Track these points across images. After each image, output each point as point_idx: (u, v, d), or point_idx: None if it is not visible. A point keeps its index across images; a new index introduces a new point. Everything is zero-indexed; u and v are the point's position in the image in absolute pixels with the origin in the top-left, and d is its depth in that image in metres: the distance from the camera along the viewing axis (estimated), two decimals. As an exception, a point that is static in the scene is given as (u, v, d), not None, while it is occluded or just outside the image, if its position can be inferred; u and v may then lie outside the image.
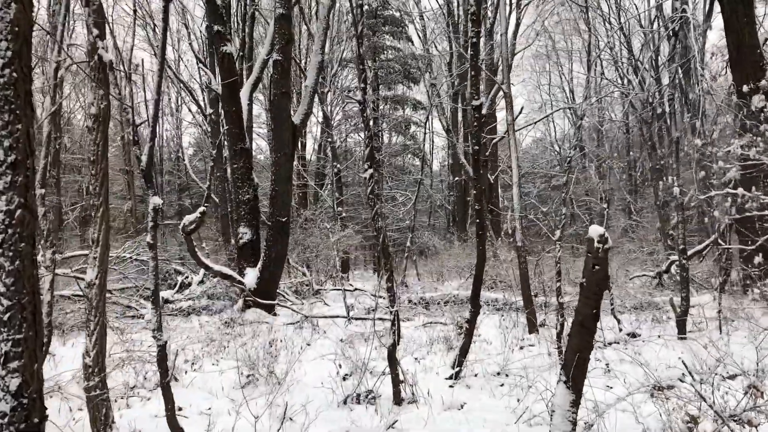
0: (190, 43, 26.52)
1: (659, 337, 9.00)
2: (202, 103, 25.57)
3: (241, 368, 6.81)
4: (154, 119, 4.78)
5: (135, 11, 20.49)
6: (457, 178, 26.92)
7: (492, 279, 17.17)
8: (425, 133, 20.09)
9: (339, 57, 29.49)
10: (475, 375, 6.88)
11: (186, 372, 7.65)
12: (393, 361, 5.94)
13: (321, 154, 30.60)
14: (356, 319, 11.24)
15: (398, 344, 6.09)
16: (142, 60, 7.40)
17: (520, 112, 24.11)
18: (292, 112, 13.10)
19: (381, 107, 31.87)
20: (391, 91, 33.23)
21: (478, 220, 6.10)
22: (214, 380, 7.08)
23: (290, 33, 12.72)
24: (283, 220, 12.75)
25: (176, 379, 7.22)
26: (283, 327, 10.80)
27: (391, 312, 5.94)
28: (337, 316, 11.35)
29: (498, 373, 6.88)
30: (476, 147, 5.92)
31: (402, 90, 33.74)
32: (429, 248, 25.64)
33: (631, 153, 39.80)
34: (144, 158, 4.70)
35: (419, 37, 25.07)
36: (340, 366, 7.20)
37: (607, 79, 30.95)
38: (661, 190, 24.97)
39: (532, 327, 9.44)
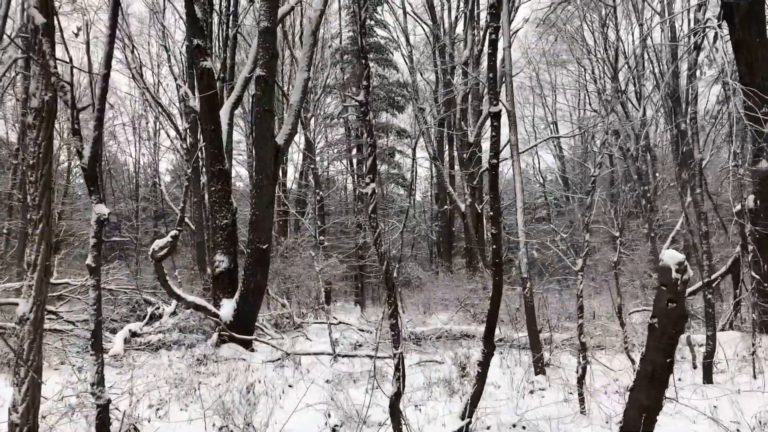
0: (170, 66, 25.70)
1: (679, 380, 8.16)
2: (181, 129, 24.66)
3: (212, 418, 5.79)
4: (101, 100, 3.86)
5: None
6: (445, 207, 26.12)
7: (483, 312, 16.29)
8: (413, 159, 19.35)
9: (323, 83, 28.83)
10: (488, 428, 5.93)
11: (149, 420, 6.60)
12: (396, 414, 4.99)
13: (303, 181, 29.69)
14: (343, 356, 10.23)
15: (403, 392, 5.13)
16: (86, 22, 6.49)
17: (507, 142, 23.56)
18: (275, 132, 12.24)
19: (365, 135, 31.17)
20: (375, 119, 32.57)
21: (494, 246, 5.23)
22: (182, 431, 6.04)
23: (275, 48, 11.91)
24: (264, 247, 11.78)
25: (137, 431, 6.16)
26: (261, 365, 9.75)
27: (395, 355, 4.99)
28: (322, 353, 10.34)
29: (514, 425, 5.94)
30: (494, 161, 5.07)
31: (386, 118, 33.12)
32: (413, 280, 24.69)
33: (614, 185, 39.61)
34: (87, 152, 3.76)
35: (406, 62, 24.54)
36: (329, 415, 6.21)
37: (594, 110, 30.68)
38: (649, 221, 24.32)
39: (539, 368, 8.53)
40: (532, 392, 7.53)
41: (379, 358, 10.39)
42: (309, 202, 29.93)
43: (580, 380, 6.29)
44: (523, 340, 10.44)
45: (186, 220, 26.30)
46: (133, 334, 12.15)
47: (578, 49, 33.50)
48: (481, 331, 11.92)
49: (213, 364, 9.73)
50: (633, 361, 8.51)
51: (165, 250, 9.45)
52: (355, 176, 31.01)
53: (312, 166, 25.65)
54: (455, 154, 29.52)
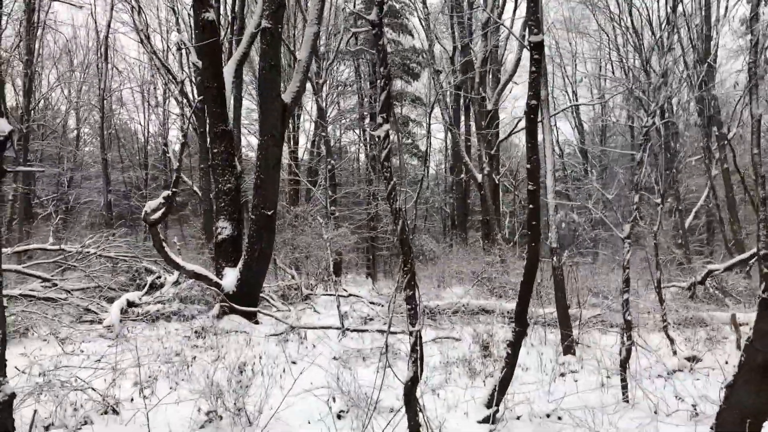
0: (177, 30, 24.74)
1: (727, 363, 7.30)
2: (190, 96, 23.73)
3: (199, 402, 5.04)
4: None
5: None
6: (461, 177, 25.14)
7: (501, 287, 15.46)
8: (428, 125, 18.30)
9: (335, 49, 27.78)
10: (518, 418, 5.12)
11: (132, 400, 5.85)
12: (412, 401, 4.21)
13: (314, 149, 28.81)
14: (352, 330, 9.47)
15: (420, 377, 4.33)
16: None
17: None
18: (282, 90, 11.36)
19: (378, 63, 30.18)
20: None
21: (531, 206, 4.38)
22: (167, 414, 5.29)
23: (282, -3, 10.98)
24: (269, 213, 10.98)
25: (116, 412, 5.44)
26: (264, 339, 9.01)
27: (411, 333, 4.18)
28: (330, 327, 9.58)
29: (548, 415, 5.12)
30: (533, 102, 4.19)
31: (401, 85, 32.01)
32: (426, 252, 23.87)
33: (635, 156, 38.42)
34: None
35: (422, 24, 23.42)
36: (333, 399, 5.44)
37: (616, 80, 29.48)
38: (677, 193, 23.24)
39: (567, 347, 7.70)
40: (563, 375, 6.71)
41: (391, 333, 9.63)
42: (320, 171, 29.10)
43: (624, 364, 5.47)
44: (549, 316, 9.62)
45: (195, 188, 25.63)
46: (131, 304, 11.47)
47: (601, 15, 32.20)
48: (501, 307, 11.15)
49: (212, 338, 9.01)
50: (672, 340, 7.68)
51: (159, 213, 8.67)
52: (368, 145, 30.10)
53: (323, 134, 24.75)
54: (472, 122, 28.51)
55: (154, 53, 23.67)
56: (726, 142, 21.15)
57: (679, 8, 24.72)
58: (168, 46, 28.36)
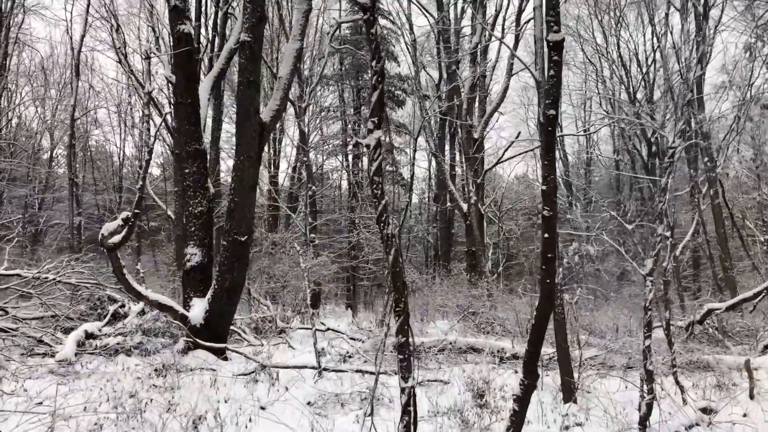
0: (156, 48, 24.02)
1: (745, 416, 6.59)
2: (169, 117, 22.92)
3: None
4: None
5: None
6: (446, 205, 24.49)
7: (489, 322, 14.69)
8: (413, 151, 17.69)
9: (319, 73, 27.25)
10: (526, 488, 4.33)
11: (68, 456, 4.97)
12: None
13: (295, 174, 28.07)
14: (330, 370, 8.61)
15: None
16: None
17: (517, 136, 22.02)
18: (261, 108, 10.64)
19: (362, 130, 29.59)
20: (374, 114, 31.03)
21: (545, 235, 3.67)
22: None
23: (263, 10, 10.34)
24: (243, 239, 10.16)
25: (44, 473, 4.55)
26: (231, 379, 8.12)
27: (404, 390, 3.40)
28: (305, 366, 8.71)
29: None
30: (551, 112, 3.50)
31: (385, 111, 31.50)
32: (410, 284, 23.04)
33: (621, 191, 38.17)
34: None
35: (408, 51, 23.01)
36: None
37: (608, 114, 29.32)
38: (671, 227, 22.73)
39: (569, 394, 6.93)
40: (567, 429, 5.93)
41: (369, 373, 8.80)
42: (300, 198, 28.29)
43: (644, 421, 4.71)
44: (545, 357, 8.86)
45: (169, 212, 24.66)
46: (89, 336, 10.50)
47: (588, 47, 32.13)
48: (491, 345, 10.38)
49: (174, 376, 8.09)
50: (682, 388, 6.95)
51: (119, 237, 7.83)
52: (351, 173, 29.43)
53: (305, 158, 24.03)
54: (457, 151, 27.99)
55: (131, 72, 22.92)
56: (715, 176, 20.78)
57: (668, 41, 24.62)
58: (149, 69, 27.68)
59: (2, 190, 26.98)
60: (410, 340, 3.71)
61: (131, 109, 31.59)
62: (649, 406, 4.67)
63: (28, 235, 29.00)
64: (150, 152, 8.45)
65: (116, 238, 7.91)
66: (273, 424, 5.97)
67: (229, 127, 28.86)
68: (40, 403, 6.54)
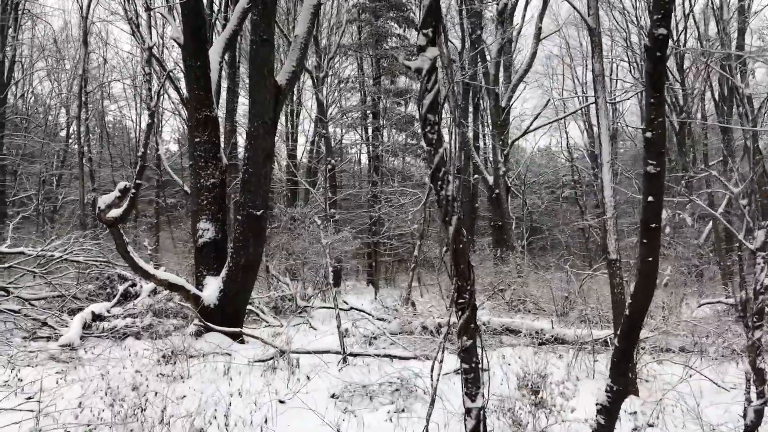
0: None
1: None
2: (183, 92, 22.03)
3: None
4: None
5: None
6: (474, 177, 23.46)
7: (519, 299, 13.81)
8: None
9: (337, 42, 26.20)
10: None
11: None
12: None
13: (313, 147, 27.18)
14: (354, 355, 7.81)
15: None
16: None
17: (547, 103, 20.91)
18: (276, 69, 9.75)
19: (382, 101, 28.54)
20: (393, 85, 29.86)
21: (649, 199, 2.76)
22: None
23: (277, -40, 9.38)
24: (258, 213, 9.35)
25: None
26: (247, 367, 7.34)
27: (471, 411, 2.56)
28: (328, 352, 7.91)
29: None
30: (661, 31, 2.58)
31: (406, 82, 30.37)
32: (433, 260, 22.19)
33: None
34: None
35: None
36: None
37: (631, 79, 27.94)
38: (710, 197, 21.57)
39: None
40: (636, 430, 5.05)
41: (401, 359, 7.99)
42: (320, 172, 27.44)
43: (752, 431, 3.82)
44: (586, 337, 7.97)
45: (185, 187, 23.93)
46: (96, 318, 9.82)
47: (616, 12, 30.59)
48: (528, 326, 9.52)
49: (184, 363, 7.33)
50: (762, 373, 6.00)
51: (120, 210, 7.04)
52: (370, 146, 28.47)
53: (323, 131, 23.14)
54: (480, 122, 26.88)
55: (143, 42, 22.04)
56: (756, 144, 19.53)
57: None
58: (163, 41, 26.75)
59: (16, 167, 26.46)
60: (476, 341, 2.85)
61: (146, 82, 30.76)
62: (759, 414, 3.78)
63: (46, 212, 28.56)
64: (152, 115, 7.61)
65: (116, 212, 7.13)
66: (293, 424, 5.18)
67: (245, 101, 28.00)
68: (30, 397, 5.83)
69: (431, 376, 3.76)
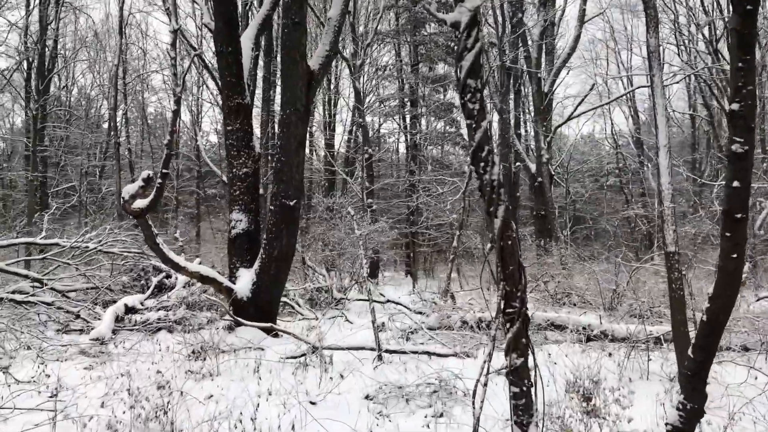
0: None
1: None
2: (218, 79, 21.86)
3: None
4: None
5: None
6: (516, 165, 22.80)
7: (564, 292, 13.23)
8: (481, 101, 16.21)
9: (374, 28, 25.76)
10: None
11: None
12: None
13: (351, 136, 26.82)
14: (391, 352, 7.44)
15: None
16: None
17: (592, 87, 20.15)
18: (308, 55, 9.39)
19: (420, 89, 27.97)
20: (432, 72, 29.23)
21: (733, 183, 2.30)
22: None
23: (309, -61, 9.00)
24: (292, 203, 9.03)
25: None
26: (279, 364, 7.04)
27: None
28: (362, 348, 7.56)
29: None
30: (748, 5, 2.09)
31: (445, 69, 29.73)
32: (473, 250, 21.66)
33: (697, 150, 35.29)
34: None
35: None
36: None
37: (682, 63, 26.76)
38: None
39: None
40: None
41: (435, 355, 7.59)
42: (357, 161, 27.12)
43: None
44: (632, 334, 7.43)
45: (223, 178, 23.88)
46: (130, 310, 9.67)
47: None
48: (575, 321, 9.01)
49: (214, 360, 7.07)
50: None
51: (147, 200, 6.79)
52: (408, 135, 27.97)
53: (361, 120, 22.77)
54: (522, 107, 26.14)
55: (182, 34, 21.97)
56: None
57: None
58: (202, 33, 26.70)
59: (59, 159, 26.85)
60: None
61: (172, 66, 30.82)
62: None
63: (90, 203, 28.94)
64: (177, 101, 7.33)
65: (142, 202, 6.89)
66: (324, 430, 4.84)
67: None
68: (54, 395, 5.61)
69: (476, 388, 3.32)
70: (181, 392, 5.66)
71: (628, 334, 7.73)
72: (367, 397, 5.75)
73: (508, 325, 2.71)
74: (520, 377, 2.73)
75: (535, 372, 3.10)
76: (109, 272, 11.29)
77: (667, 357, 6.89)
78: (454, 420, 5.11)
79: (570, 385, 4.94)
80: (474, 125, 2.20)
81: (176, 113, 7.51)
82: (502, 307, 2.84)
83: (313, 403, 5.59)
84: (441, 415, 5.28)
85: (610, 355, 7.64)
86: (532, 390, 3.18)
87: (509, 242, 2.61)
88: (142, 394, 5.46)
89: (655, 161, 6.00)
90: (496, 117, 28.59)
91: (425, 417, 5.23)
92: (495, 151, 2.44)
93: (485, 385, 3.21)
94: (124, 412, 4.97)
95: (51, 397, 5.57)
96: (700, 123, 35.46)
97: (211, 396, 5.79)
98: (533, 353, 3.10)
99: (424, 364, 6.80)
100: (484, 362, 3.26)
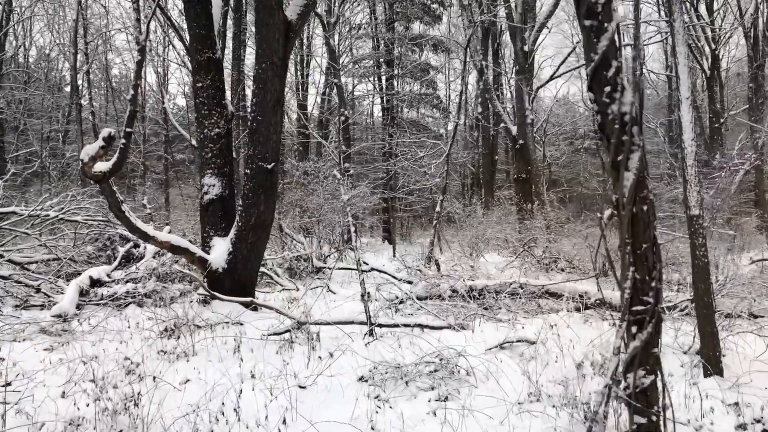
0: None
1: None
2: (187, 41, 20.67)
3: None
4: None
5: None
6: (497, 128, 22.24)
7: (551, 257, 12.81)
8: (464, 62, 15.18)
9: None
10: None
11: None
12: None
13: (325, 97, 25.92)
14: (384, 326, 6.88)
15: None
16: None
17: (573, 48, 19.55)
18: (285, 4, 8.58)
19: (397, 49, 27.06)
20: (408, 30, 28.26)
21: None
22: None
23: None
24: (269, 166, 8.34)
25: None
26: (261, 341, 6.44)
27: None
28: (352, 323, 6.98)
29: None
30: None
31: (420, 28, 28.81)
32: (454, 215, 21.14)
33: (674, 112, 35.06)
34: None
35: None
36: None
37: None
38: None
39: (713, 364, 5.07)
40: (745, 430, 4.10)
41: (431, 328, 7.05)
42: (332, 124, 26.26)
43: None
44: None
45: (193, 142, 22.91)
46: (95, 283, 8.95)
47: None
48: (572, 289, 8.58)
49: (189, 338, 6.44)
50: None
51: (109, 164, 6.05)
52: (384, 97, 27.14)
53: (335, 80, 21.87)
54: (502, 68, 25.50)
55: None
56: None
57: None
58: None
59: (18, 123, 25.50)
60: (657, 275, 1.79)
61: (149, 33, 29.39)
62: None
63: (54, 169, 27.67)
64: (141, 51, 6.50)
65: (104, 166, 6.14)
66: (317, 417, 4.28)
67: (252, 51, 26.61)
68: (8, 384, 4.96)
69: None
70: (154, 377, 5.05)
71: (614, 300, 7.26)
72: (361, 378, 5.20)
73: (635, 328, 2.02)
74: (648, 403, 2.05)
75: (663, 393, 2.40)
76: (73, 242, 10.50)
77: (677, 327, 6.45)
78: (462, 404, 4.59)
79: (596, 366, 4.42)
80: (595, 29, 1.57)
81: (140, 64, 6.68)
82: (628, 302, 2.13)
83: (302, 387, 5.02)
84: (446, 399, 4.76)
85: (613, 325, 7.21)
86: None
87: (644, 208, 1.92)
88: (109, 381, 4.85)
89: (677, 116, 5.45)
90: (473, 79, 27.85)
91: (429, 402, 4.71)
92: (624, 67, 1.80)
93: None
94: (87, 405, 4.35)
95: (2, 386, 4.92)
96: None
97: (188, 381, 5.19)
98: (661, 369, 2.40)
99: (419, 340, 6.26)
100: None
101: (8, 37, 24.04)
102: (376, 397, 4.79)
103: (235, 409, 4.38)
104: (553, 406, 4.45)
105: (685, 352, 5.90)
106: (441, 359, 5.38)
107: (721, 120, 25.86)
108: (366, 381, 5.15)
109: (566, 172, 38.33)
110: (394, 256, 16.58)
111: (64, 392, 4.73)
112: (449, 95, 34.91)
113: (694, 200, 5.12)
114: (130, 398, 4.39)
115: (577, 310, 8.32)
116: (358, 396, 4.76)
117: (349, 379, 5.18)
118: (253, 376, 5.27)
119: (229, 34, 20.72)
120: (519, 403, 4.58)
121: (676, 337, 6.20)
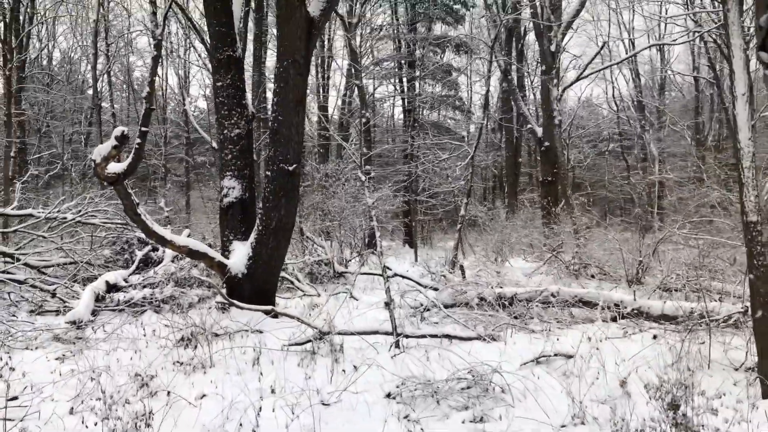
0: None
1: None
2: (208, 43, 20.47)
3: None
4: None
5: None
6: (522, 129, 21.78)
7: (581, 263, 12.34)
8: (490, 61, 14.71)
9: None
10: None
11: None
12: None
13: (345, 98, 25.62)
14: (411, 337, 6.52)
15: None
16: None
17: (602, 46, 19.04)
18: (307, 1, 8.27)
19: (418, 50, 26.69)
20: (430, 32, 27.86)
21: None
22: None
23: None
24: (290, 168, 8.02)
25: None
26: (282, 352, 6.12)
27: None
28: (376, 333, 6.64)
29: None
30: None
31: (442, 28, 28.43)
32: (478, 219, 20.68)
33: (701, 114, 34.25)
34: None
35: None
36: None
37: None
38: None
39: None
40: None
41: (457, 338, 6.68)
42: (353, 126, 25.97)
43: None
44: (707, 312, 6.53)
45: (213, 144, 22.74)
46: (111, 288, 8.70)
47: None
48: (605, 297, 8.15)
49: (206, 348, 6.13)
50: None
51: (123, 165, 5.78)
52: (405, 99, 26.78)
53: (357, 81, 21.57)
54: (526, 70, 25.05)
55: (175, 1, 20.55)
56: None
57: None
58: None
59: (40, 125, 25.56)
60: None
61: (170, 35, 29.33)
62: None
63: (76, 171, 27.69)
64: (157, 46, 6.23)
65: (118, 167, 5.88)
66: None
67: (273, 53, 26.38)
68: (14, 398, 4.68)
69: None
70: (168, 392, 4.75)
71: (684, 313, 6.82)
72: (389, 395, 4.85)
73: None
74: None
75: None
76: (90, 245, 10.29)
77: (727, 342, 6.00)
78: (500, 428, 4.22)
79: (651, 389, 4.01)
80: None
81: (156, 59, 6.43)
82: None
83: (325, 405, 4.68)
84: (481, 419, 4.39)
85: (654, 337, 6.78)
86: None
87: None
88: (121, 396, 4.55)
89: (732, 113, 5.04)
90: (495, 80, 27.34)
91: (463, 422, 4.34)
92: None
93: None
94: (96, 424, 4.05)
95: (11, 399, 4.64)
96: (704, 86, 34.34)
97: (204, 396, 4.87)
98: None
99: (448, 352, 5.89)
100: None
101: (32, 40, 24.06)
102: (405, 417, 4.43)
103: (254, 430, 4.05)
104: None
105: (736, 369, 5.47)
106: (474, 375, 5.01)
107: (753, 121, 25.17)
108: (394, 398, 4.80)
109: (590, 176, 37.69)
110: (416, 260, 16.20)
111: (72, 408, 4.44)
112: (471, 97, 34.49)
113: (752, 205, 4.70)
114: (141, 416, 4.08)
115: (613, 320, 7.89)
116: (387, 416, 4.41)
117: (376, 396, 4.83)
118: (273, 392, 4.94)
119: (250, 36, 20.53)
120: (562, 426, 4.20)
121: (725, 352, 5.76)
